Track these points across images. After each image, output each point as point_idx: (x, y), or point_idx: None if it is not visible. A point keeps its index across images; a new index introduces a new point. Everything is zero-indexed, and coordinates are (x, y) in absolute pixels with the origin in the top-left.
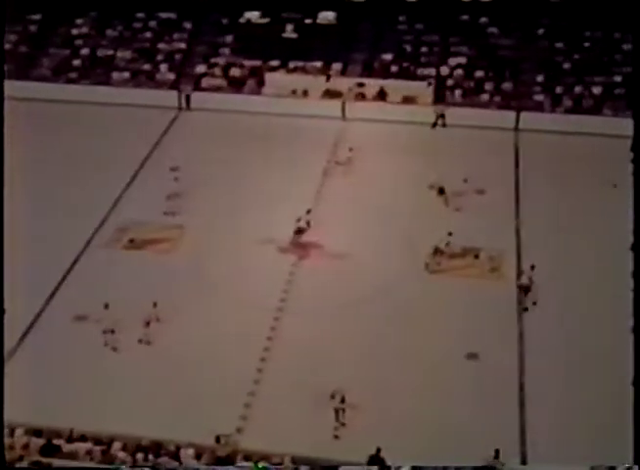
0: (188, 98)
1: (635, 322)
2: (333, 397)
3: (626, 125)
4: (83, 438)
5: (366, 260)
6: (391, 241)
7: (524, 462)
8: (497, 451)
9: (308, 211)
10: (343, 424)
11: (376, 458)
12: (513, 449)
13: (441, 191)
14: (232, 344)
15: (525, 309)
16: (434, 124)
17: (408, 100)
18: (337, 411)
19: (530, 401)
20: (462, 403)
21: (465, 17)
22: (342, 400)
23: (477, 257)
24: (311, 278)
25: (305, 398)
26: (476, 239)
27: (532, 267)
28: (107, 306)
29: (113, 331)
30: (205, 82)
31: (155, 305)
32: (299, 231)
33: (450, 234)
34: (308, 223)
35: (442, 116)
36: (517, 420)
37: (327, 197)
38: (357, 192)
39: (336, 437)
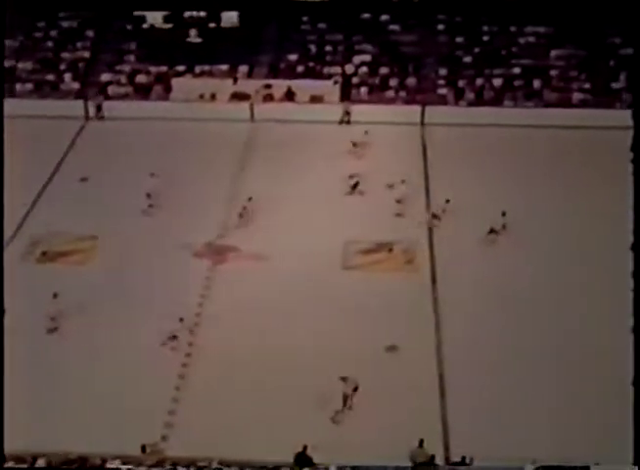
0: (99, 107)
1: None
2: (344, 380)
3: (526, 115)
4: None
5: (283, 260)
6: (307, 239)
7: (446, 449)
8: (421, 441)
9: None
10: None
11: (302, 456)
12: (436, 440)
13: (355, 186)
14: (152, 351)
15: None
16: (342, 121)
17: (315, 99)
18: (345, 397)
19: (451, 391)
20: (383, 396)
21: (366, 15)
22: (356, 389)
23: (390, 250)
24: (229, 282)
25: (228, 400)
26: (389, 233)
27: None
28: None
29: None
30: (110, 90)
31: (70, 316)
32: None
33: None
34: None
35: (348, 113)
36: (438, 410)
37: (240, 200)
38: (270, 194)
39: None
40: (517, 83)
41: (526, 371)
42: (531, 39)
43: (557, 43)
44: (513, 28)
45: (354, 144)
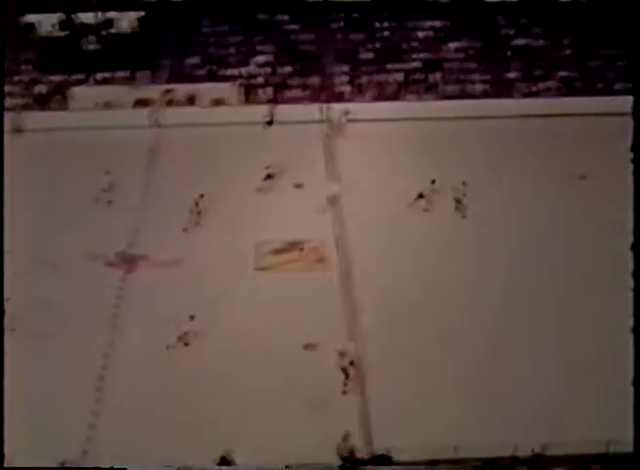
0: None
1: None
2: (342, 355)
3: (428, 108)
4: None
5: (193, 265)
6: (216, 242)
7: (369, 443)
8: (346, 435)
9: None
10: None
11: (224, 460)
12: (360, 435)
13: (267, 181)
14: (68, 365)
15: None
16: (268, 122)
17: (218, 102)
18: (344, 370)
19: (372, 386)
20: (303, 394)
21: (264, 16)
22: (352, 363)
23: (301, 249)
24: (141, 290)
25: (148, 409)
26: (300, 232)
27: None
28: None
29: None
30: (8, 102)
31: None
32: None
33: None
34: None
35: (272, 114)
36: (359, 405)
37: (149, 206)
38: (178, 198)
39: (344, 392)
40: (417, 77)
41: (446, 360)
42: (428, 33)
43: (453, 36)
44: (410, 23)
45: (262, 144)
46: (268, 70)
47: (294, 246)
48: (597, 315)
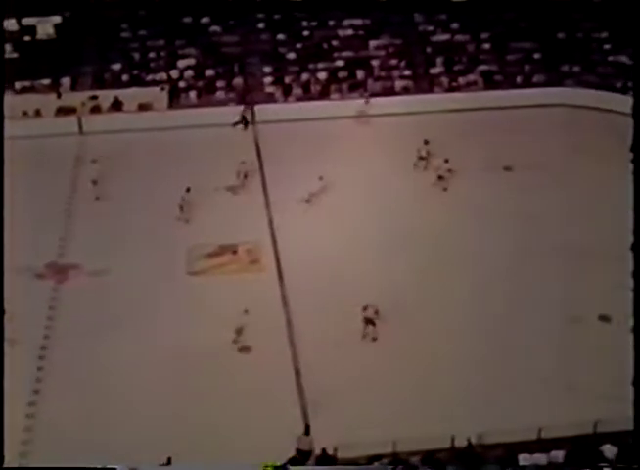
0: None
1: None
2: (365, 309)
3: (354, 105)
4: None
5: (126, 273)
6: (148, 249)
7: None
8: (307, 427)
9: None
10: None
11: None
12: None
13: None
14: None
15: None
16: (245, 124)
17: (144, 107)
18: (367, 321)
19: (309, 386)
20: (241, 396)
21: (187, 19)
22: (377, 312)
23: (235, 252)
24: (73, 300)
25: (84, 415)
26: (232, 234)
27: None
28: None
29: None
30: None
31: None
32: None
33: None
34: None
35: (245, 117)
36: (298, 405)
37: (77, 216)
38: (106, 208)
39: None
40: (341, 75)
41: (382, 355)
42: (350, 32)
43: (374, 34)
44: (331, 22)
45: (189, 149)
46: (191, 73)
47: (226, 249)
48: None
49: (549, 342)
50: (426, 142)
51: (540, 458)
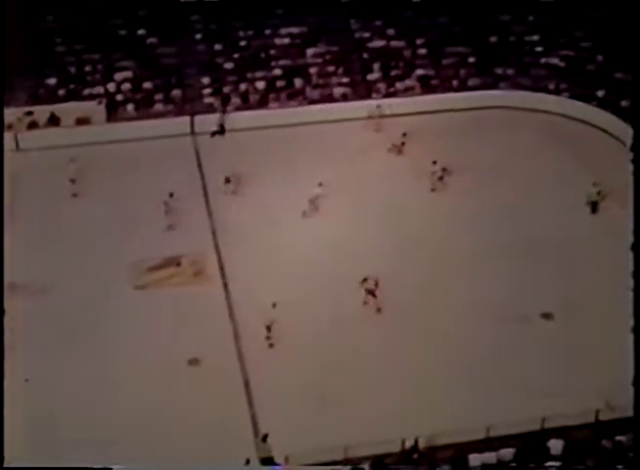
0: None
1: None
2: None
3: (291, 114)
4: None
5: (71, 290)
6: (92, 263)
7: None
8: (265, 436)
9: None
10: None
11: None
12: (249, 443)
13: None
14: None
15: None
16: (220, 132)
17: (82, 121)
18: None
19: (258, 397)
20: (192, 408)
21: (123, 31)
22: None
23: (179, 264)
24: (20, 318)
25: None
26: (175, 247)
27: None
28: None
29: None
30: None
31: None
32: None
33: None
34: None
35: (222, 125)
36: (248, 415)
37: (16, 233)
38: (47, 223)
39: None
40: (279, 84)
41: (329, 362)
42: (287, 40)
43: (311, 42)
44: (268, 31)
45: (129, 162)
46: (129, 85)
47: (170, 261)
48: None
49: (494, 341)
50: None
51: (490, 457)
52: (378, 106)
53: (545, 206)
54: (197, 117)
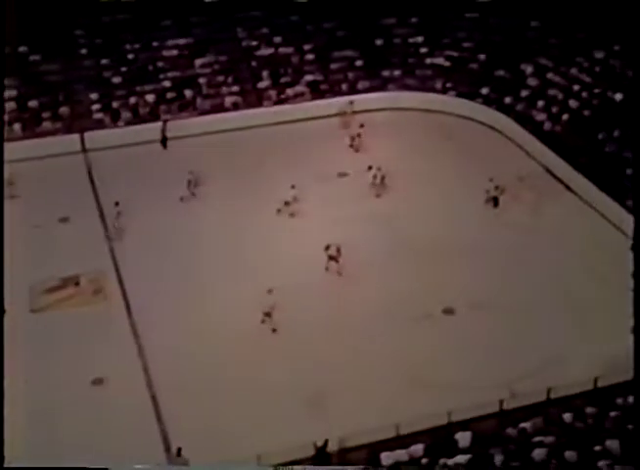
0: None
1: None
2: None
3: (183, 125)
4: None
5: None
6: None
7: None
8: (179, 449)
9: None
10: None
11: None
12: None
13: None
14: None
15: None
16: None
17: None
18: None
19: (167, 411)
20: (94, 427)
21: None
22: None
23: (77, 284)
24: None
25: None
26: (73, 266)
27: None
28: None
29: None
30: None
31: None
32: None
33: None
34: None
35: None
36: (158, 431)
37: None
38: None
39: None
40: (169, 96)
41: (238, 369)
42: (175, 52)
43: (199, 53)
44: (155, 43)
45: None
46: (14, 105)
47: (68, 281)
48: None
49: (398, 338)
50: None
51: (401, 455)
52: None
53: (446, 203)
54: (87, 134)
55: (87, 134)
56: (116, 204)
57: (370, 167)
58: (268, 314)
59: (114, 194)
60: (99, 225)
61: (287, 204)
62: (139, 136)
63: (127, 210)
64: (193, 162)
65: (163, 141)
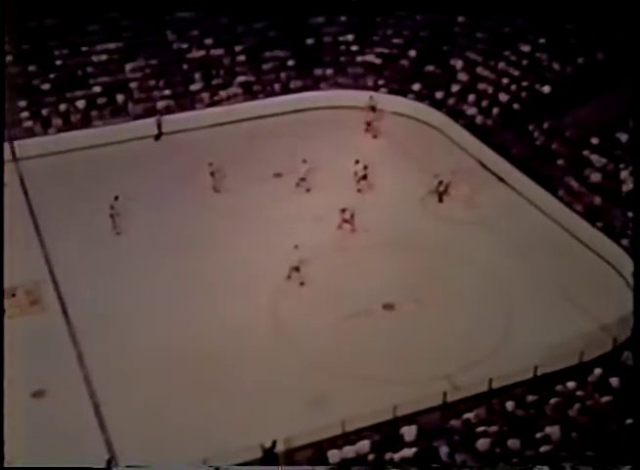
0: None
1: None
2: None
3: (115, 131)
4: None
5: None
6: None
7: None
8: (109, 461)
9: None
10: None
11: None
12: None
13: None
14: None
15: None
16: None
17: None
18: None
19: (110, 419)
20: (40, 442)
21: None
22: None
23: (14, 295)
24: None
25: None
26: (8, 277)
27: None
28: None
29: None
30: None
31: None
32: None
33: None
34: None
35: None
36: (102, 439)
37: None
38: None
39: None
40: (100, 102)
41: (179, 376)
42: (104, 57)
43: (129, 57)
44: (84, 48)
45: None
46: None
47: (5, 293)
48: None
49: (340, 334)
50: None
51: (348, 451)
52: None
53: (382, 198)
54: (17, 143)
55: (17, 143)
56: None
57: (304, 161)
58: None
59: (47, 202)
60: (34, 235)
61: None
62: (71, 143)
63: (62, 218)
64: (127, 168)
65: (158, 136)
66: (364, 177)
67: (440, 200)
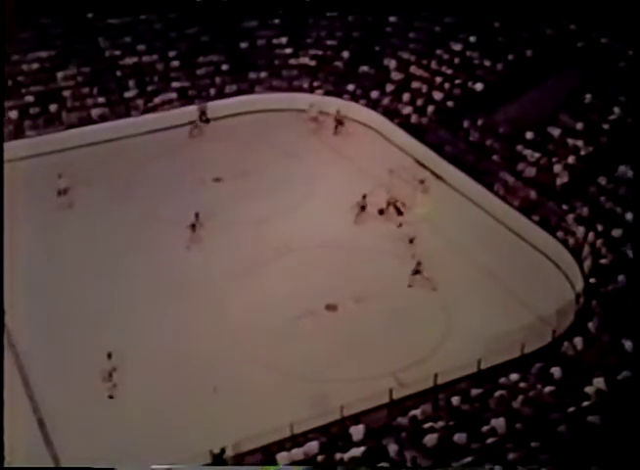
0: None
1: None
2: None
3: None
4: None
5: None
6: None
7: None
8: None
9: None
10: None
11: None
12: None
13: None
14: None
15: None
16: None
17: None
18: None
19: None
20: None
21: None
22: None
23: None
24: None
25: None
26: None
27: None
28: None
29: None
30: None
31: None
32: None
33: None
34: None
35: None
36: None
37: None
38: None
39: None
40: (33, 111)
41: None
42: (36, 65)
43: (61, 65)
44: (15, 57)
45: None
46: None
47: None
48: None
49: (283, 338)
50: None
51: (297, 453)
52: None
53: (320, 201)
54: None
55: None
56: None
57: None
58: None
59: None
60: None
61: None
62: (5, 154)
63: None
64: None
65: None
66: None
67: (381, 213)
